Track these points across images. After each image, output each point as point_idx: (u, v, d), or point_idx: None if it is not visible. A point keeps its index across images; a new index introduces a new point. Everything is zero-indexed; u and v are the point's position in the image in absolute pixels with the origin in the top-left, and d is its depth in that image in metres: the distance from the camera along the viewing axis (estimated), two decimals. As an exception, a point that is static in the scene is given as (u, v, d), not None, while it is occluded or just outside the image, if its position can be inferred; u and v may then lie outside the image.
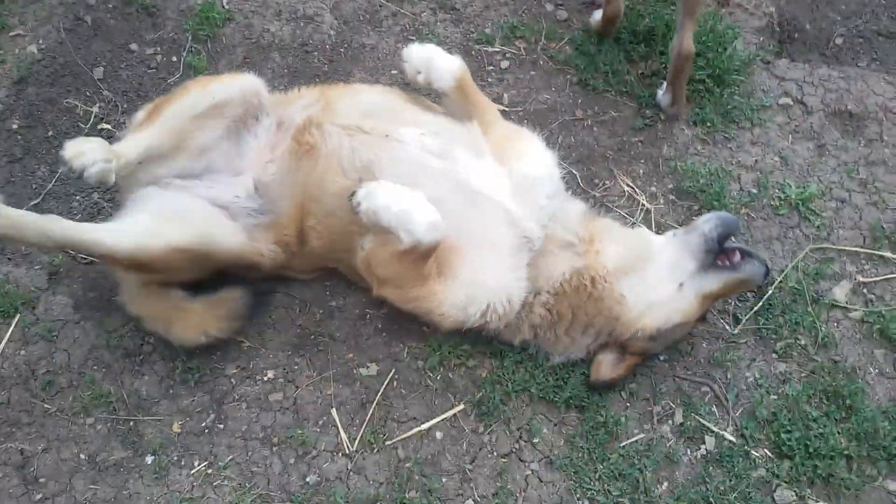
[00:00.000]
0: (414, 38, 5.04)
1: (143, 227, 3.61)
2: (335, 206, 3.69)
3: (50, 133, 4.54)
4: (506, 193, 3.71)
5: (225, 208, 3.86)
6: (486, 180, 3.72)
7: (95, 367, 3.89)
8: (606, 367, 3.84)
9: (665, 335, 3.84)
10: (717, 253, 3.85)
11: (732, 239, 3.97)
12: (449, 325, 3.65)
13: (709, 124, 4.80)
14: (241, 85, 3.91)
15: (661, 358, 4.05)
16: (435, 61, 3.89)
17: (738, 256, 3.88)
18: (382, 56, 4.99)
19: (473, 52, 5.02)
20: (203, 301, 3.90)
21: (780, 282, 4.24)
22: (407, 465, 3.73)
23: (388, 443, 3.78)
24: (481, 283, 3.60)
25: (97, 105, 4.66)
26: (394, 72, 4.91)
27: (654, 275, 3.81)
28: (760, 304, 4.18)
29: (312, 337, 4.03)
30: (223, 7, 5.07)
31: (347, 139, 3.74)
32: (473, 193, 3.66)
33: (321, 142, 3.77)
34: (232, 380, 3.90)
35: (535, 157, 3.87)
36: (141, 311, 3.89)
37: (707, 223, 3.86)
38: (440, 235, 3.42)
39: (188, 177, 3.85)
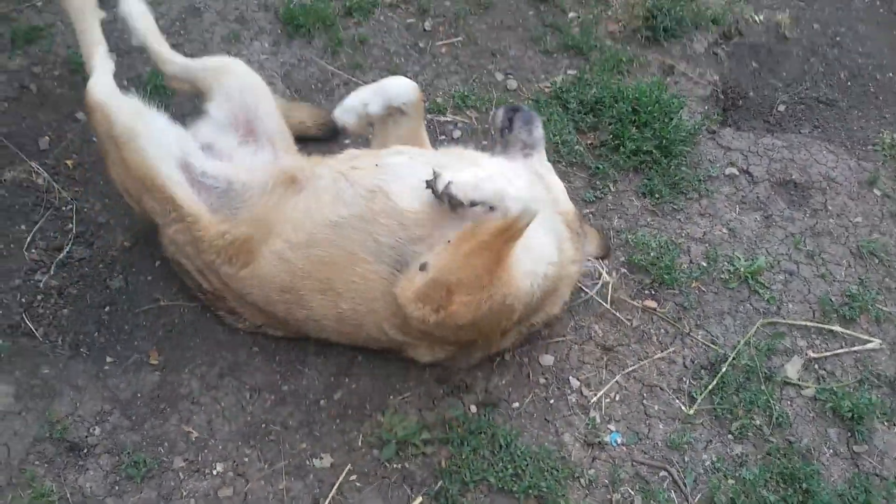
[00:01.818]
0: (363, 105, 4.98)
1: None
2: (323, 237, 3.54)
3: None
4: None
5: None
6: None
7: (37, 462, 3.71)
8: None
9: None
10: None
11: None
12: (523, 300, 3.52)
13: (657, 195, 4.82)
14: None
15: (619, 441, 4.02)
16: (384, 85, 3.93)
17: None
18: (334, 125, 4.91)
19: (426, 122, 4.96)
20: None
21: (734, 359, 4.25)
22: (365, 562, 3.64)
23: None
24: (535, 248, 3.54)
25: (42, 177, 4.50)
26: (346, 141, 4.83)
27: None
28: (714, 382, 4.18)
29: (263, 425, 3.91)
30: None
31: (341, 177, 3.62)
32: None
33: (311, 179, 3.72)
34: (180, 474, 3.76)
35: None
36: None
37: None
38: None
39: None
